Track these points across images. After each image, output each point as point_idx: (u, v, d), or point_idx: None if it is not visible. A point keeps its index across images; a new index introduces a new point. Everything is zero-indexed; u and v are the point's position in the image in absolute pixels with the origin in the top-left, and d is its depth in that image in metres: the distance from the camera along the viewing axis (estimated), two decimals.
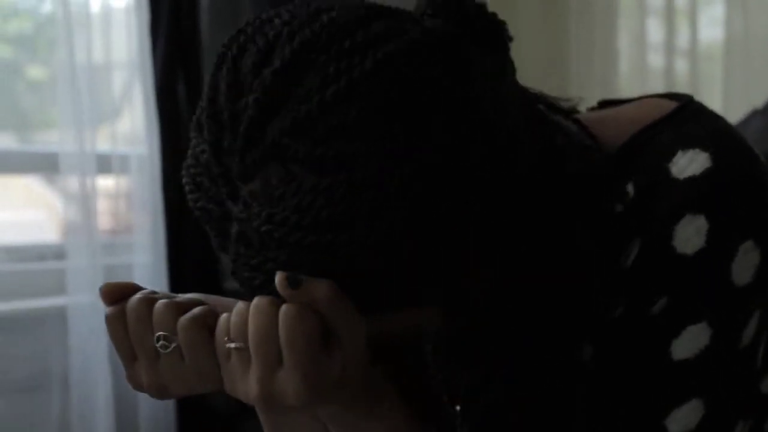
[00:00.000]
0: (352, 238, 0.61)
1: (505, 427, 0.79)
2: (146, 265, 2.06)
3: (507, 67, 0.69)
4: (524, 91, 0.73)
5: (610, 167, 0.75)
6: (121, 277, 2.03)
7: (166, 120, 2.07)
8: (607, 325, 0.75)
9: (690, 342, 0.72)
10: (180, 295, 0.72)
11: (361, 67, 0.61)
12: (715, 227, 0.71)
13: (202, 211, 0.66)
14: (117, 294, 0.71)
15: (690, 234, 0.71)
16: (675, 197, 0.72)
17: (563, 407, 0.77)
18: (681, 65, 2.70)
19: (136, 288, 0.71)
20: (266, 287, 0.63)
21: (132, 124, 2.08)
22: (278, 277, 0.62)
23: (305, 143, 0.61)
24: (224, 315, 0.67)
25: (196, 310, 0.68)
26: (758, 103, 2.15)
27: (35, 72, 1.89)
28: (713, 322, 0.72)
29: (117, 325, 0.70)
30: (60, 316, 1.90)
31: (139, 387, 0.70)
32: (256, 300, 0.64)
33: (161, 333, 0.68)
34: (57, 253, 1.94)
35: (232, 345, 0.65)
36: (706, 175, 0.72)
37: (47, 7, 2.01)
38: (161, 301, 0.69)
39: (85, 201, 1.94)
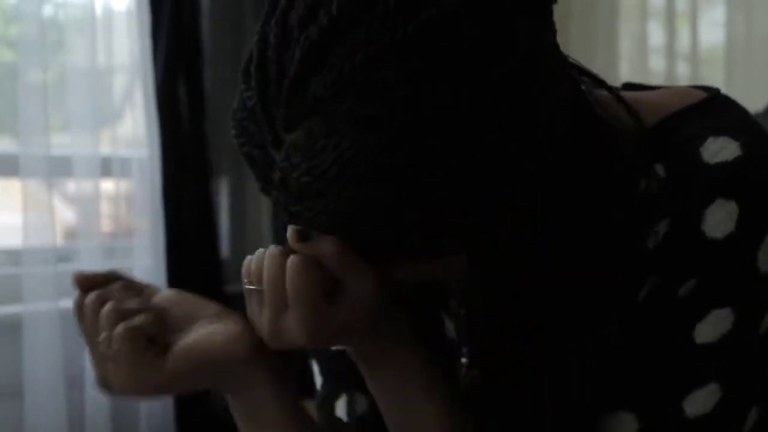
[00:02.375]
0: (389, 192, 0.63)
1: (515, 386, 0.80)
2: (146, 269, 2.06)
3: (549, 30, 0.70)
4: (564, 57, 0.74)
5: (643, 146, 0.76)
6: None
7: (167, 123, 2.07)
8: (632, 304, 0.76)
9: (713, 326, 0.73)
10: (150, 287, 0.80)
11: (404, 27, 0.62)
12: (745, 213, 0.72)
13: (247, 156, 0.69)
14: (88, 283, 0.78)
15: (721, 218, 0.72)
16: (706, 181, 0.73)
17: (576, 376, 0.78)
18: (682, 68, 2.70)
19: (108, 279, 0.79)
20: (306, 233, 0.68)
21: (133, 128, 2.08)
22: (290, 231, 0.67)
23: (347, 99, 0.62)
24: (248, 257, 0.72)
25: (136, 319, 0.75)
26: (759, 106, 2.15)
27: (37, 75, 1.89)
28: (737, 307, 0.73)
29: (79, 314, 0.77)
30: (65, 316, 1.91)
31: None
32: (269, 249, 0.70)
33: (104, 335, 0.75)
34: (59, 256, 1.94)
35: (251, 287, 0.71)
36: (737, 162, 0.73)
37: (49, 11, 2.01)
38: (108, 305, 0.76)
39: (88, 204, 1.94)
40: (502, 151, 0.64)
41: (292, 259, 0.69)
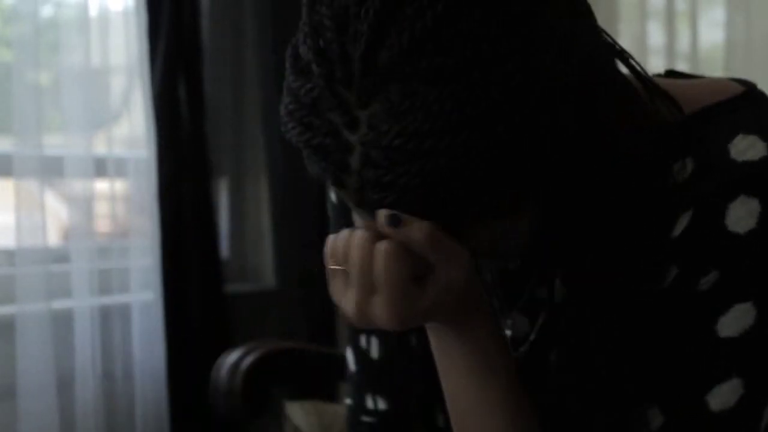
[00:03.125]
0: (483, 137, 0.64)
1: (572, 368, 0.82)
2: (146, 269, 2.06)
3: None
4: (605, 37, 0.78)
5: (673, 136, 0.78)
6: (117, 281, 2.03)
7: (166, 123, 2.06)
8: (655, 296, 0.77)
9: (736, 320, 0.74)
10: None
11: None
12: (767, 211, 0.74)
13: (316, 149, 0.68)
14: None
15: (742, 214, 0.74)
16: (731, 177, 0.75)
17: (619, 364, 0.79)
18: (681, 68, 2.69)
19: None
20: (398, 205, 0.67)
21: (133, 128, 2.08)
22: (380, 215, 0.67)
23: (423, 58, 0.64)
24: (331, 237, 0.73)
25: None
26: None
27: (35, 76, 1.88)
28: (759, 302, 0.74)
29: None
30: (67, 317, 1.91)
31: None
32: (357, 232, 0.70)
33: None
34: (56, 256, 1.94)
35: (335, 267, 0.72)
36: (762, 162, 0.74)
37: (46, 11, 2.01)
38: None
39: (84, 204, 1.94)
40: (566, 94, 0.67)
41: (381, 246, 0.69)
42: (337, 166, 0.68)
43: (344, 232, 0.72)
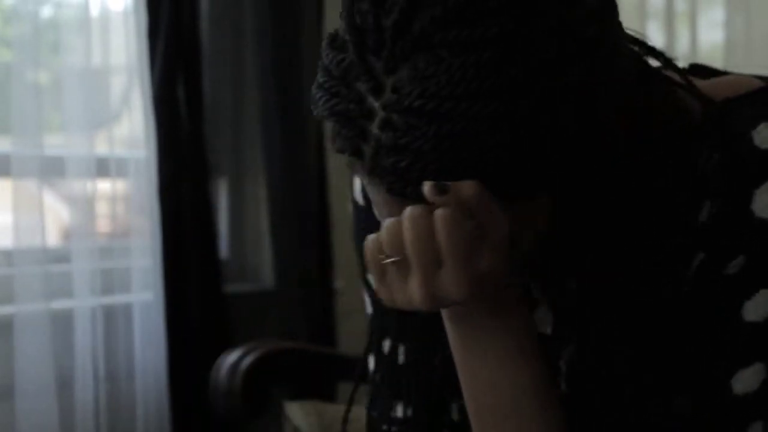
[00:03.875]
0: (500, 107, 0.67)
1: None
2: (145, 269, 2.05)
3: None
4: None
5: (698, 126, 0.80)
6: (118, 281, 2.03)
7: (166, 123, 2.06)
8: (681, 281, 0.78)
9: (761, 305, 0.76)
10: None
11: None
12: None
13: (339, 116, 0.71)
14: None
15: None
16: (756, 163, 0.76)
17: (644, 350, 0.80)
18: None
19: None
20: (410, 171, 0.69)
21: (132, 128, 2.08)
22: (427, 187, 0.68)
23: (453, 29, 0.67)
24: (370, 237, 0.73)
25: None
26: None
27: (35, 76, 1.88)
28: None
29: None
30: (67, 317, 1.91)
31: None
32: (409, 211, 0.70)
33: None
34: (56, 256, 1.94)
35: (389, 260, 0.71)
36: None
37: (46, 11, 2.01)
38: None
39: (84, 204, 1.94)
40: (595, 70, 0.70)
41: (441, 213, 0.69)
42: (356, 132, 0.70)
43: (389, 222, 0.72)
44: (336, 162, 2.40)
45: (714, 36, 2.70)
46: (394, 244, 0.71)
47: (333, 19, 2.36)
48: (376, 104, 0.69)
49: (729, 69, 0.93)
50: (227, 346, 1.74)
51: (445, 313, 0.78)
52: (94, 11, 1.99)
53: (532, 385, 0.77)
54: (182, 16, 2.08)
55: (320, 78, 0.73)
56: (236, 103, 2.38)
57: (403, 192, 0.71)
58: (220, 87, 2.34)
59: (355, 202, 1.00)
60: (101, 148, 2.02)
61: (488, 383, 0.78)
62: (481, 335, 0.77)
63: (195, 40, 2.14)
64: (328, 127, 0.74)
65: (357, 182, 0.99)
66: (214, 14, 2.32)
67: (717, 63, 0.91)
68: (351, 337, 2.38)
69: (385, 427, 0.96)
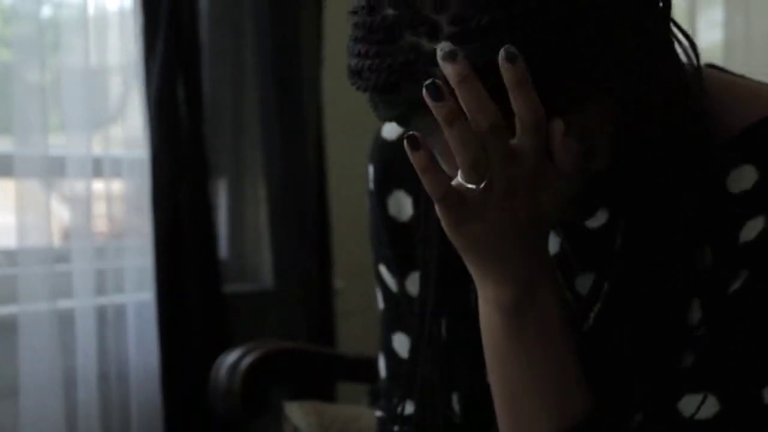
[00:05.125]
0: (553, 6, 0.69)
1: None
2: (145, 269, 2.06)
3: None
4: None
5: (730, 145, 0.80)
6: (119, 281, 2.03)
7: (165, 123, 2.06)
8: (718, 293, 0.79)
9: None
10: None
11: None
12: None
13: (401, 70, 0.72)
14: None
15: None
16: None
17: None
18: None
19: None
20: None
21: (132, 128, 2.08)
22: (501, 53, 0.69)
23: None
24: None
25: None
26: None
27: (35, 76, 1.88)
28: None
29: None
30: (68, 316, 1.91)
31: None
32: (491, 127, 0.72)
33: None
34: (55, 256, 1.94)
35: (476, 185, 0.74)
36: None
37: (46, 11, 2.01)
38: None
39: (84, 204, 1.94)
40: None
41: (558, 122, 0.72)
42: (425, 78, 0.71)
43: (470, 144, 0.72)
44: (336, 162, 2.40)
45: (713, 36, 2.70)
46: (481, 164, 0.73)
47: (333, 19, 2.36)
48: (436, 44, 0.70)
49: (729, 69, 0.92)
50: (227, 346, 1.74)
51: (492, 306, 0.79)
52: (94, 11, 1.99)
53: (569, 363, 0.78)
54: (182, 16, 2.08)
55: (361, 49, 0.74)
56: (236, 103, 2.38)
57: None
58: (220, 87, 2.34)
59: (369, 191, 1.00)
60: (100, 149, 2.02)
61: (530, 362, 0.78)
62: (514, 321, 0.78)
63: (194, 39, 2.14)
64: (366, 99, 0.75)
65: (371, 170, 1.00)
66: (213, 14, 2.32)
67: (716, 63, 0.90)
68: (351, 337, 2.39)
69: (393, 428, 0.96)
